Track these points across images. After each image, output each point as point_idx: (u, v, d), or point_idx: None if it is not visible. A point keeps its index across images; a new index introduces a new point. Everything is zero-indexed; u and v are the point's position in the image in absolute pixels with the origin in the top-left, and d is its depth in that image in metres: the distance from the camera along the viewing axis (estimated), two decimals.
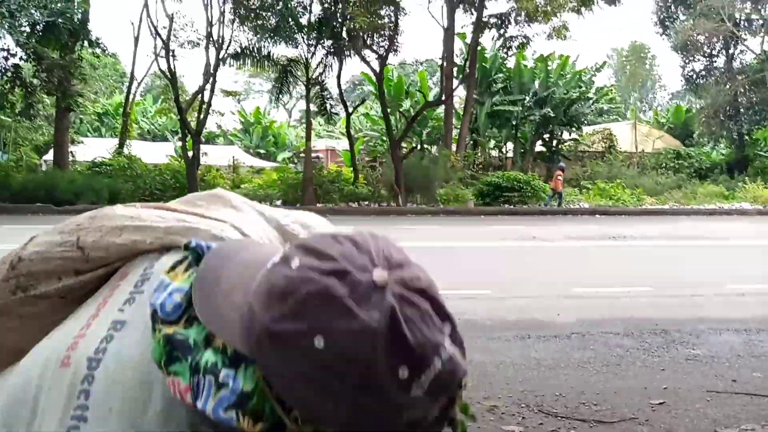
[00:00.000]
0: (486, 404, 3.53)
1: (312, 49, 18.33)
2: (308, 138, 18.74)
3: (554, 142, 29.38)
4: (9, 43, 15.69)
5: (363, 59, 18.89)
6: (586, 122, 29.77)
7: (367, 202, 17.89)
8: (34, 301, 0.85)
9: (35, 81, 16.58)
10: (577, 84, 28.12)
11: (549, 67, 27.81)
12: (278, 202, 17.28)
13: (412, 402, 0.55)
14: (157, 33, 18.69)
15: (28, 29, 15.37)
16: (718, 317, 5.68)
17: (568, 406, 3.57)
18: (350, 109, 21.56)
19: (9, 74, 15.74)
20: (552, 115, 26.54)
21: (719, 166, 28.07)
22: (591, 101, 28.66)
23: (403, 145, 22.20)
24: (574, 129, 28.66)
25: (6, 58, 15.71)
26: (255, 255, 0.65)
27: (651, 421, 3.34)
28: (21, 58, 16.02)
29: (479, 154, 29.21)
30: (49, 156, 22.77)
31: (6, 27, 14.42)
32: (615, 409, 3.53)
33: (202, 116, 18.20)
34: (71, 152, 20.36)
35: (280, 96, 20.00)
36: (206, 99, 17.93)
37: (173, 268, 0.68)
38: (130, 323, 0.71)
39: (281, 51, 18.78)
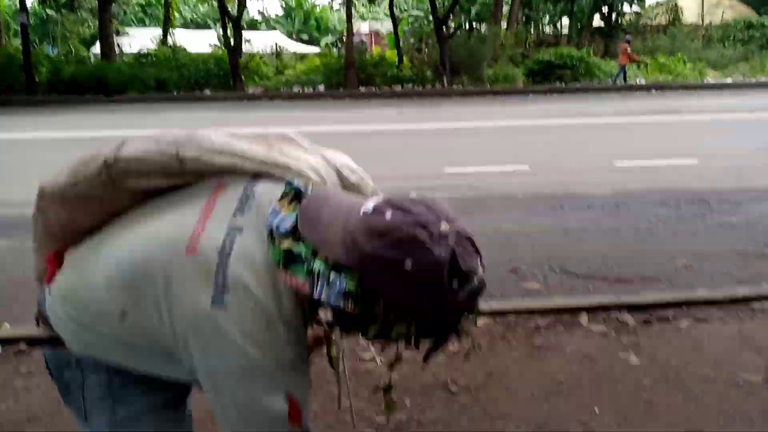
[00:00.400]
0: (507, 266, 3.61)
1: None
2: (349, 20, 18.06)
3: (614, 16, 27.41)
4: None
5: None
6: None
7: (411, 85, 17.45)
8: (118, 192, 1.04)
9: None
10: None
11: None
12: (321, 87, 17.09)
13: (458, 301, 0.88)
14: None
15: None
16: (763, 186, 5.48)
17: (590, 267, 3.62)
18: None
19: None
20: None
21: None
22: None
23: (450, 23, 21.18)
24: (635, 2, 26.59)
25: None
26: (343, 201, 0.94)
27: (672, 280, 3.35)
28: None
29: (532, 31, 27.72)
30: (97, 49, 22.93)
31: None
32: (638, 270, 3.55)
33: (241, 1, 17.74)
34: (117, 43, 20.41)
35: None
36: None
37: (281, 198, 0.94)
38: (246, 229, 0.93)
39: None
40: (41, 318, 1.08)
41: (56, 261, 1.06)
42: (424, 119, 10.72)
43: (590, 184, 5.70)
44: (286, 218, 0.91)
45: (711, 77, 19.63)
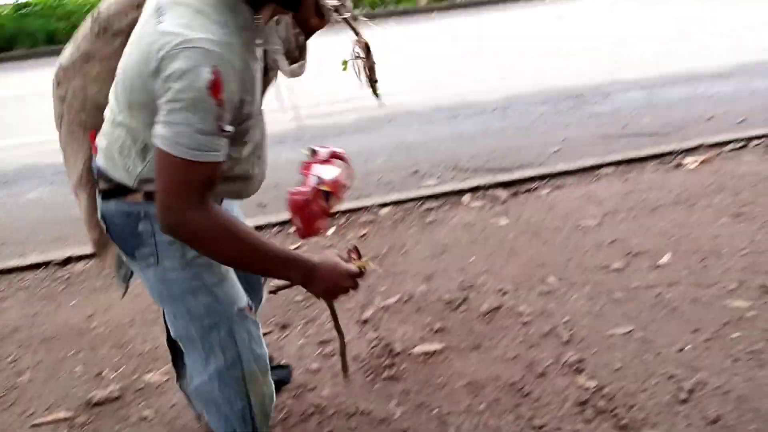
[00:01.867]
0: (409, 170, 4.14)
1: None
2: None
3: None
4: None
5: None
6: None
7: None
8: (111, 40, 1.26)
9: None
10: None
11: None
12: None
13: None
14: None
15: None
16: (632, 78, 6.20)
17: (478, 163, 4.19)
18: None
19: None
20: None
21: None
22: None
23: None
24: None
25: None
26: None
27: (544, 164, 3.97)
28: None
29: None
30: None
31: None
32: (518, 160, 4.15)
33: None
34: None
35: None
36: None
37: None
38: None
39: None
40: (101, 179, 1.28)
41: (94, 135, 1.33)
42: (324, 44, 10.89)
43: (483, 93, 6.26)
44: None
45: None
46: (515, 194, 3.34)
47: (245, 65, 1.11)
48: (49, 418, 1.96)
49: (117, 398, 2.01)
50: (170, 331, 1.39)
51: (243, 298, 1.36)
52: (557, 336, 2.10)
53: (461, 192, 3.35)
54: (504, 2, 17.04)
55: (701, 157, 3.54)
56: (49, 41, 15.37)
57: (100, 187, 1.29)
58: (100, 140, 1.28)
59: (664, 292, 2.30)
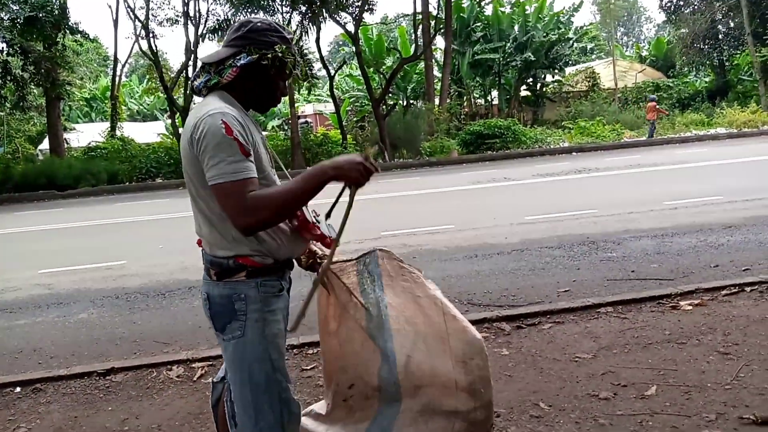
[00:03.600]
0: None
1: (288, 16, 18.84)
2: (292, 104, 19.36)
3: (538, 86, 29.86)
4: None
5: (337, 22, 19.38)
6: (570, 62, 30.17)
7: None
8: None
9: (24, 74, 17.18)
10: (555, 26, 28.41)
11: (527, 12, 28.07)
12: None
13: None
14: (135, 15, 19.21)
15: (9, 23, 15.89)
16: (645, 228, 6.57)
17: (491, 299, 4.49)
18: (332, 72, 22.12)
19: (0, 70, 16.35)
20: (533, 59, 26.93)
21: (701, 95, 28.55)
22: (571, 42, 28.99)
23: (390, 102, 22.83)
24: (556, 71, 29.06)
25: None
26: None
27: (553, 302, 4.24)
28: (8, 54, 16.58)
29: (464, 105, 29.83)
30: (44, 146, 23.45)
31: None
32: (527, 298, 4.44)
33: (188, 92, 18.81)
34: (65, 139, 21.06)
35: None
36: (191, 75, 18.52)
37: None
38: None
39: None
40: (212, 267, 1.67)
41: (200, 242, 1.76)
42: (362, 191, 11.70)
43: (502, 236, 6.68)
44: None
45: (627, 137, 21.55)
46: (519, 327, 3.60)
47: (242, 120, 1.62)
48: None
49: None
50: (232, 394, 1.76)
51: (288, 375, 1.76)
52: None
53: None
54: (532, 156, 18.21)
55: (696, 300, 3.77)
56: (111, 181, 16.87)
57: (211, 273, 1.69)
58: (201, 237, 1.73)
59: (646, 420, 2.46)
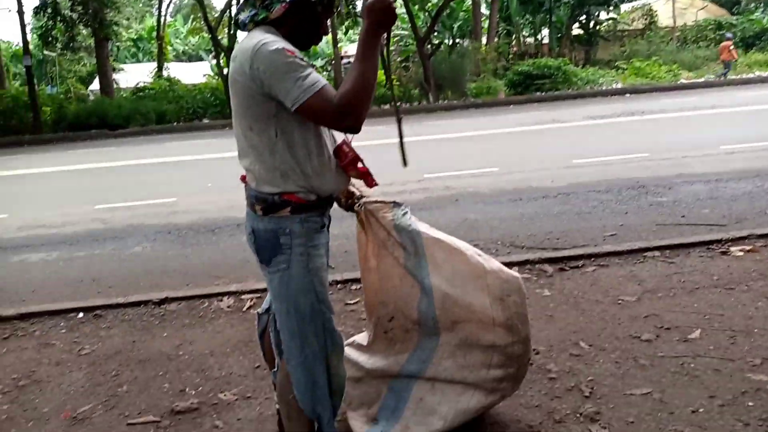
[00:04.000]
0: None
1: None
2: (335, 44, 19.16)
3: (591, 24, 28.55)
4: None
5: None
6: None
7: (399, 103, 18.38)
8: None
9: (73, 15, 17.38)
10: None
11: None
12: None
13: None
14: None
15: None
16: (698, 172, 6.35)
17: (534, 242, 4.47)
18: None
19: (49, 11, 16.58)
20: None
21: (767, 33, 26.82)
22: None
23: (435, 41, 22.29)
24: (611, 8, 27.66)
25: None
26: None
27: (598, 245, 4.19)
28: None
29: (513, 44, 28.85)
30: (94, 86, 23.94)
31: None
32: (572, 241, 4.40)
33: (232, 32, 18.76)
34: (115, 80, 21.43)
35: None
36: (234, 14, 18.40)
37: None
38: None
39: None
40: (258, 203, 1.70)
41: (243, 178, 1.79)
42: (407, 133, 11.60)
43: (548, 180, 6.57)
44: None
45: (685, 78, 20.57)
46: (562, 270, 3.59)
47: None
48: (141, 419, 2.35)
49: (195, 410, 2.39)
50: (277, 324, 1.82)
51: (331, 306, 1.82)
52: (579, 391, 2.31)
53: (510, 264, 3.62)
54: (583, 97, 17.61)
55: (749, 247, 3.67)
56: (159, 121, 17.20)
57: (257, 209, 1.72)
58: (248, 175, 1.76)
59: (688, 362, 2.46)
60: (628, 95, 17.34)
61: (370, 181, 1.80)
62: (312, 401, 1.80)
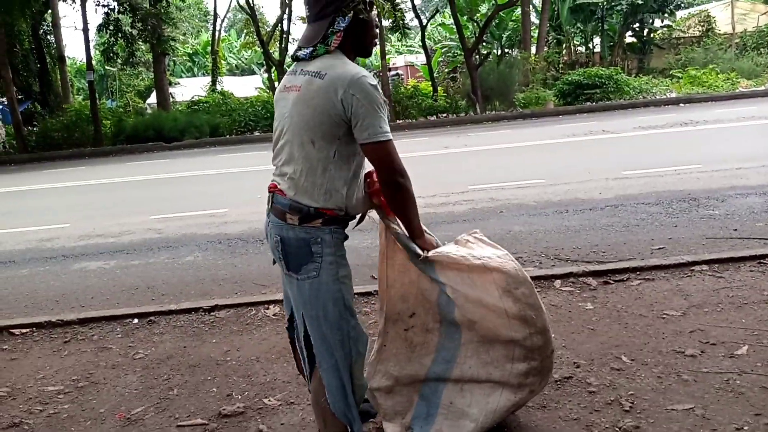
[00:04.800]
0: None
1: None
2: (383, 56, 19.31)
3: (645, 31, 27.93)
4: None
5: None
6: (683, 5, 27.97)
7: (445, 114, 18.43)
8: None
9: (133, 31, 18.18)
10: None
11: None
12: None
13: None
14: None
15: None
16: (753, 184, 6.14)
17: (579, 255, 4.43)
18: (425, 22, 21.74)
19: (111, 28, 17.38)
20: (641, 2, 25.14)
21: None
22: None
23: (484, 51, 22.24)
24: (666, 15, 27.00)
25: (107, 14, 17.30)
26: None
27: (645, 259, 4.12)
28: (118, 12, 17.55)
29: (563, 53, 28.48)
30: (152, 99, 24.87)
31: None
32: (618, 254, 4.34)
33: (283, 46, 19.21)
34: (171, 93, 22.23)
35: None
36: (285, 29, 18.85)
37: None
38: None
39: None
40: (291, 212, 1.80)
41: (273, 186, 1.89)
42: (453, 144, 11.64)
43: (596, 191, 6.48)
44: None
45: (743, 87, 19.87)
46: (606, 283, 3.55)
47: None
48: (190, 422, 2.47)
49: (241, 413, 2.49)
50: (308, 330, 1.89)
51: (355, 311, 1.91)
52: (619, 405, 2.30)
53: (553, 277, 3.62)
54: (635, 107, 17.24)
55: None
56: (213, 133, 17.73)
57: (289, 218, 1.81)
58: (285, 183, 1.84)
59: (733, 379, 2.41)
60: (682, 105, 16.87)
61: (387, 211, 1.97)
62: (343, 404, 1.87)
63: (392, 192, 1.81)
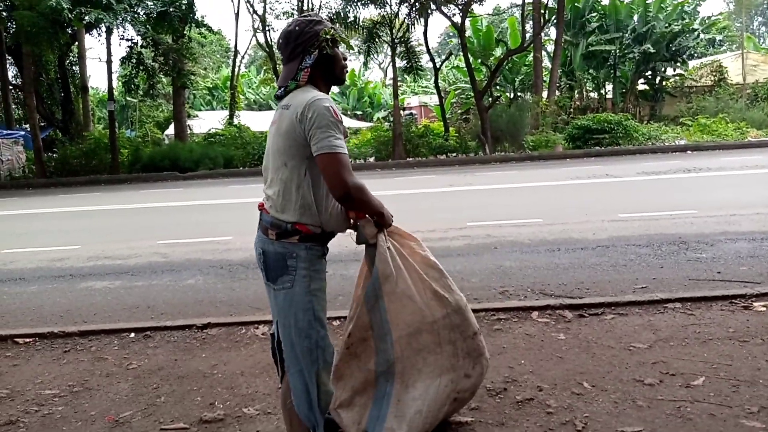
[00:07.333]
0: (498, 290, 4.63)
1: (396, 8, 19.25)
2: (395, 96, 19.79)
3: (657, 79, 28.35)
4: (131, 33, 17.97)
5: (444, 14, 19.51)
6: (695, 55, 28.42)
7: (455, 154, 18.77)
8: None
9: (155, 65, 18.85)
10: (679, 16, 26.89)
11: (647, 1, 26.75)
12: (371, 159, 18.65)
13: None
14: (253, 8, 20.42)
15: (144, 18, 17.52)
16: (744, 230, 6.28)
17: (564, 291, 4.58)
18: (438, 64, 22.31)
19: (134, 61, 18.06)
20: (653, 51, 25.65)
21: None
22: (697, 33, 27.24)
23: (496, 94, 22.71)
24: (678, 64, 27.44)
25: (131, 47, 18.01)
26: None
27: (619, 295, 4.25)
28: (141, 46, 18.26)
29: (575, 98, 28.92)
30: (170, 130, 25.52)
31: (128, 19, 16.59)
32: (601, 292, 4.48)
33: None
34: (189, 125, 22.85)
35: (368, 57, 21.15)
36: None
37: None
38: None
39: (368, 13, 19.74)
40: (272, 228, 2.01)
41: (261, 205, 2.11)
42: (458, 183, 11.89)
43: (590, 232, 6.65)
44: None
45: (752, 136, 20.04)
46: (581, 316, 3.70)
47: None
48: (173, 426, 2.64)
49: (221, 420, 2.66)
50: (280, 336, 2.08)
51: (326, 325, 2.07)
52: (573, 425, 2.43)
53: (532, 309, 3.78)
54: (642, 153, 17.44)
55: None
56: (227, 165, 18.16)
57: (270, 233, 2.03)
58: (268, 203, 2.07)
59: (685, 406, 2.54)
60: (690, 152, 17.05)
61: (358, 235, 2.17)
62: (307, 408, 2.04)
63: (348, 204, 2.00)
